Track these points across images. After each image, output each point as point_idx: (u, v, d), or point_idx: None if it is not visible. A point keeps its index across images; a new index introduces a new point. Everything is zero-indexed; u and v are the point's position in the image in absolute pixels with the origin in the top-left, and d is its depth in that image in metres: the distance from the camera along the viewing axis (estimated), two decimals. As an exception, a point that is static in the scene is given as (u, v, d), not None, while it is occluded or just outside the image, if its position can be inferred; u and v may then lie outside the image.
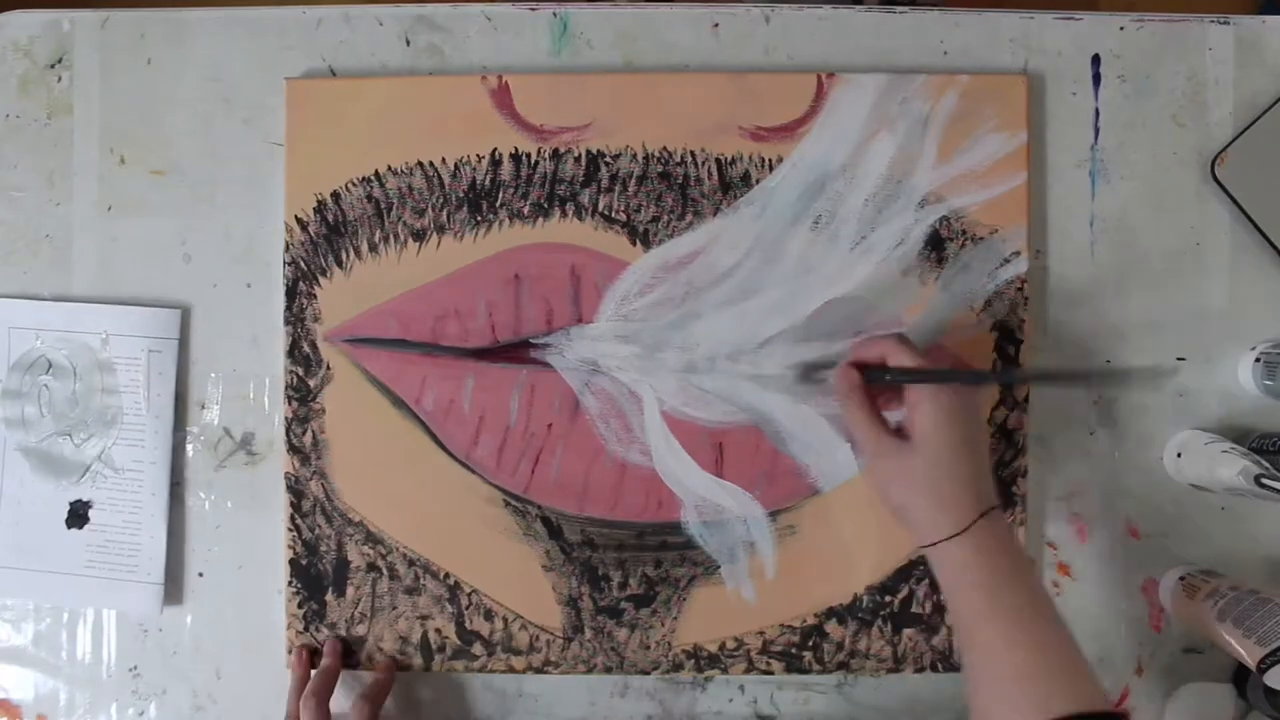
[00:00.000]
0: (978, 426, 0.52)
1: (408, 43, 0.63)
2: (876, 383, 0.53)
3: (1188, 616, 0.59)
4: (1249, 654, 0.53)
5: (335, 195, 0.61)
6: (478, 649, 0.62)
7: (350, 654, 0.62)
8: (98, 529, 0.62)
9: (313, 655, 0.61)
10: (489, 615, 0.61)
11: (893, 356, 0.52)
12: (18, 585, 0.63)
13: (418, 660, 0.62)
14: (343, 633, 0.62)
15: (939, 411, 0.50)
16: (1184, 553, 0.62)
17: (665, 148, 0.61)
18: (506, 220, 0.61)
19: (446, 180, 0.61)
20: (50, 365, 0.62)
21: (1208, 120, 0.62)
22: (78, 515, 0.62)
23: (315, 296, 0.61)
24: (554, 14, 0.63)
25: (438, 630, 0.62)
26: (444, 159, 0.61)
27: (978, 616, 0.48)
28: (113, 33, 0.63)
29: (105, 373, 0.62)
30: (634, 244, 0.61)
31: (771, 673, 0.62)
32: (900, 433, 0.52)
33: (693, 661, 0.61)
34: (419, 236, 0.61)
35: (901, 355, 0.52)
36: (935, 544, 0.49)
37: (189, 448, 0.63)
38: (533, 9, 0.63)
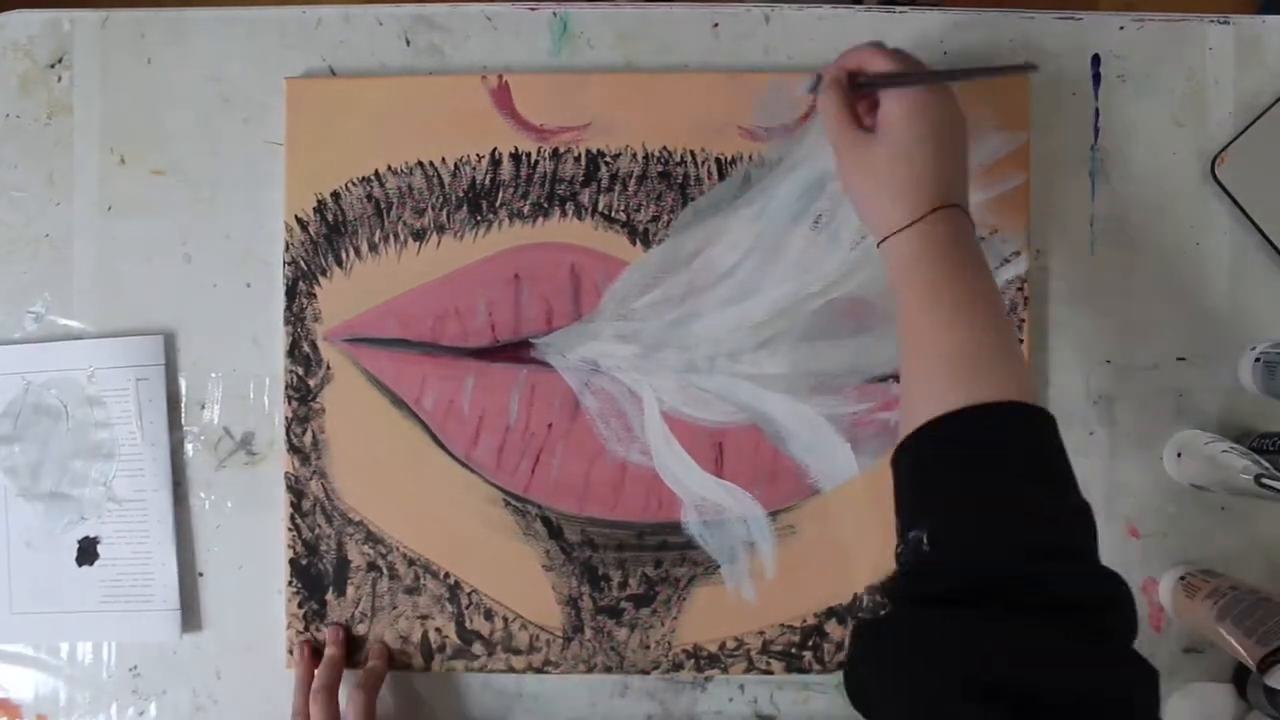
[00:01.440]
0: (951, 122, 0.50)
1: (408, 43, 0.63)
2: (862, 88, 0.52)
3: (1188, 616, 0.59)
4: (1249, 654, 0.53)
5: (335, 195, 0.61)
6: (478, 649, 0.62)
7: (351, 652, 0.62)
8: (109, 563, 0.62)
9: (315, 652, 0.61)
10: (489, 615, 0.62)
11: (869, 64, 0.51)
12: (38, 629, 0.63)
13: (418, 660, 0.62)
14: (343, 632, 0.62)
15: (906, 103, 0.48)
16: (1184, 553, 0.62)
17: (665, 148, 0.61)
18: (506, 220, 0.61)
19: (446, 180, 0.61)
20: (40, 408, 0.62)
21: (1208, 120, 0.62)
22: (87, 552, 0.62)
23: (315, 296, 0.61)
24: (554, 14, 0.63)
25: (438, 630, 0.62)
26: (444, 159, 0.61)
27: (918, 309, 0.46)
28: (113, 33, 0.63)
29: (96, 407, 0.62)
30: (634, 244, 0.61)
31: (771, 673, 0.62)
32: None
33: (693, 661, 0.61)
34: (419, 236, 0.61)
35: (878, 61, 0.51)
36: (887, 238, 0.48)
37: (189, 447, 0.63)
38: (533, 9, 0.63)
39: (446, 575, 0.61)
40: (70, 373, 0.62)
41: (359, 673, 0.60)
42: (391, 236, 0.61)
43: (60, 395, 0.62)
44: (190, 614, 0.63)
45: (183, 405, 0.63)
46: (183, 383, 0.63)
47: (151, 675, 0.63)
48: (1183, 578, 0.60)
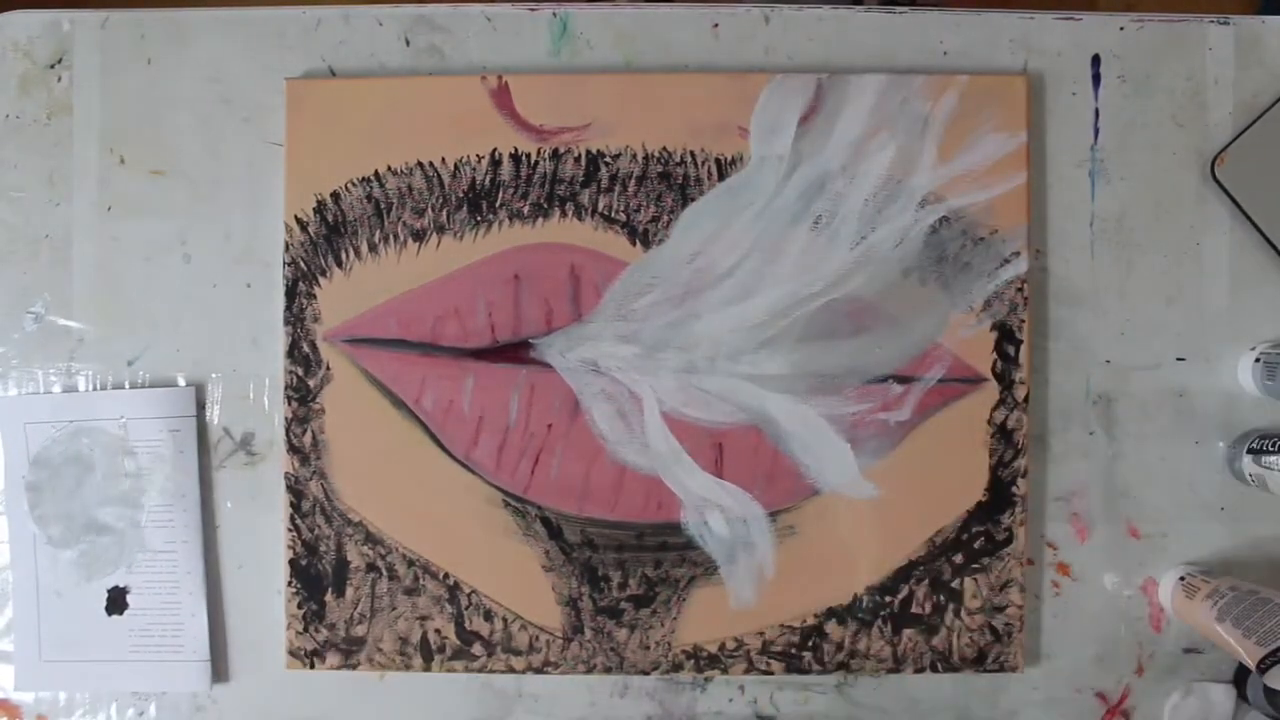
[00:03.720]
0: None
1: (407, 43, 0.63)
2: None
3: (1188, 616, 0.59)
4: (1249, 654, 0.53)
5: (335, 195, 0.61)
6: (478, 649, 0.62)
7: (349, 653, 0.62)
8: (138, 613, 0.62)
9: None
10: (489, 615, 0.62)
11: None
12: (67, 677, 0.63)
13: (418, 660, 0.62)
14: (342, 633, 0.62)
15: None
16: (1184, 553, 0.62)
17: (665, 148, 0.61)
18: (506, 220, 0.61)
19: (446, 180, 0.61)
20: (70, 457, 0.62)
21: (1208, 120, 0.62)
22: (116, 601, 0.62)
23: (315, 296, 0.61)
24: (554, 14, 0.63)
25: (437, 630, 0.62)
26: (444, 159, 0.61)
27: None
28: (113, 33, 0.63)
29: (127, 457, 0.62)
30: (634, 244, 0.61)
31: (771, 673, 0.62)
32: None
33: (693, 662, 0.61)
34: (419, 236, 0.61)
35: None
36: None
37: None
38: (533, 9, 0.63)
39: (446, 576, 0.61)
40: (101, 422, 0.62)
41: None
42: (391, 237, 0.61)
43: (91, 444, 0.62)
44: (219, 664, 0.63)
45: (212, 445, 0.63)
46: (214, 419, 0.63)
47: (151, 675, 0.63)
48: (1182, 578, 0.60)
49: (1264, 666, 0.52)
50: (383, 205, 0.61)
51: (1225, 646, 0.55)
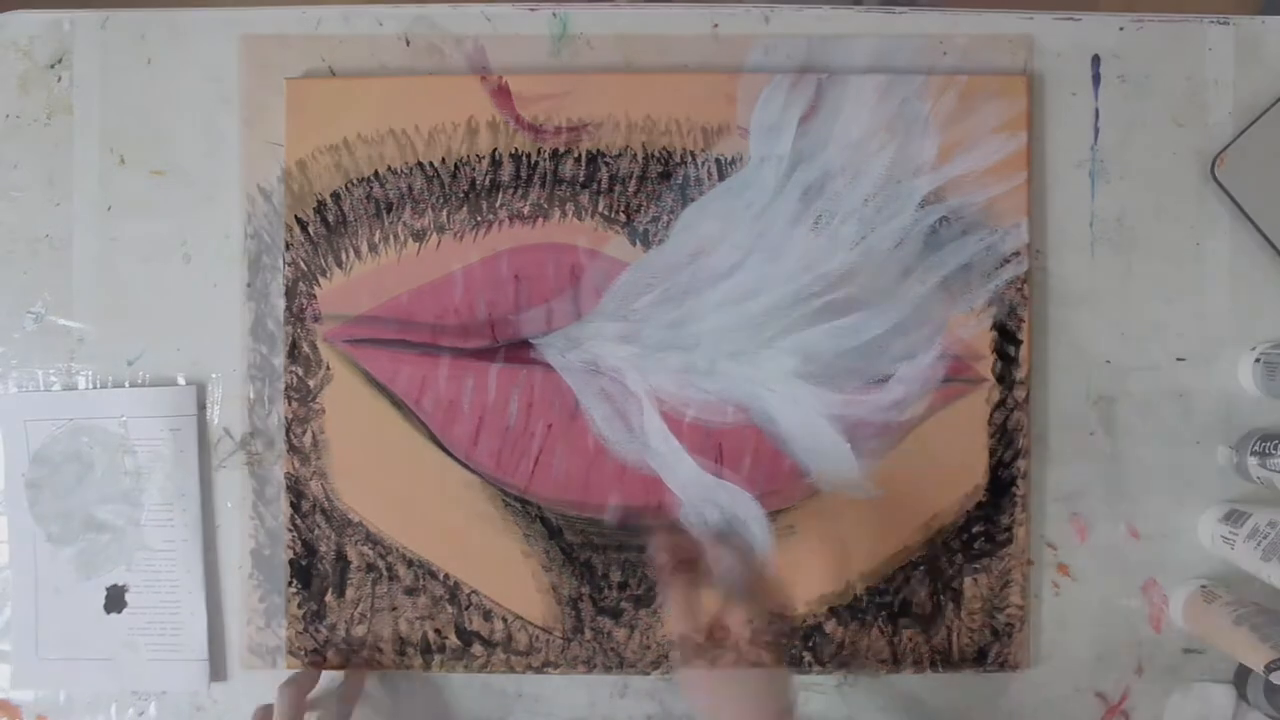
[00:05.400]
0: None
1: (408, 43, 0.63)
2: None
3: (1201, 619, 0.58)
4: (1258, 655, 0.53)
5: (335, 195, 0.61)
6: (478, 649, 0.62)
7: (351, 654, 0.62)
8: (137, 611, 0.62)
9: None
10: (488, 616, 0.61)
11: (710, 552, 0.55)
12: (65, 675, 0.63)
13: (418, 660, 0.62)
14: (342, 633, 0.62)
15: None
16: (1183, 553, 0.62)
17: (665, 148, 0.61)
18: (506, 220, 0.61)
19: (446, 180, 0.61)
20: (71, 455, 0.62)
21: (1208, 120, 0.62)
22: (115, 599, 0.62)
23: (315, 297, 0.61)
24: (554, 14, 0.63)
25: (437, 630, 0.62)
26: (444, 159, 0.61)
27: None
28: (113, 33, 0.63)
29: (127, 455, 0.62)
30: (634, 244, 0.61)
31: (771, 673, 0.62)
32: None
33: (693, 661, 0.61)
34: (419, 236, 0.61)
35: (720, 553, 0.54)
36: None
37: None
38: (533, 9, 0.63)
39: (446, 576, 0.61)
40: (102, 420, 0.62)
41: (339, 683, 0.61)
42: (391, 236, 0.61)
43: (91, 443, 0.62)
44: (219, 663, 0.63)
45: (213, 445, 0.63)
46: (214, 419, 0.63)
47: (151, 675, 0.63)
48: (1204, 585, 0.60)
49: (1272, 667, 0.52)
50: (383, 205, 0.61)
51: (1234, 647, 0.55)
